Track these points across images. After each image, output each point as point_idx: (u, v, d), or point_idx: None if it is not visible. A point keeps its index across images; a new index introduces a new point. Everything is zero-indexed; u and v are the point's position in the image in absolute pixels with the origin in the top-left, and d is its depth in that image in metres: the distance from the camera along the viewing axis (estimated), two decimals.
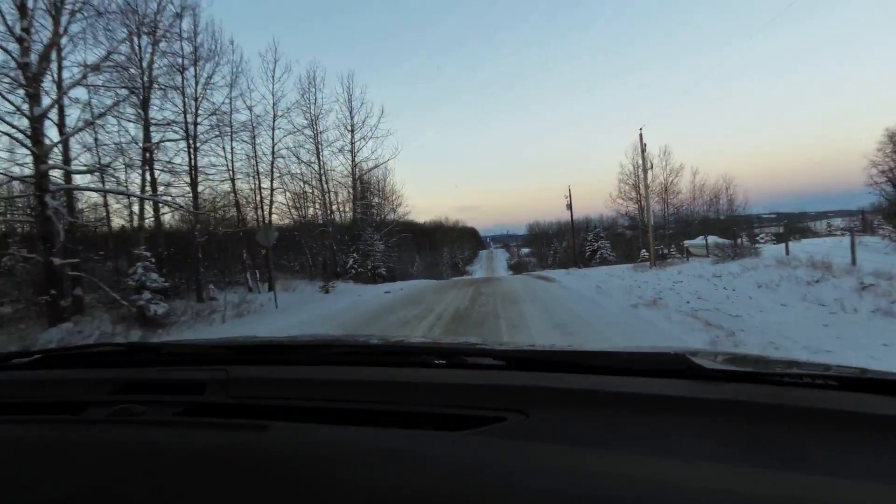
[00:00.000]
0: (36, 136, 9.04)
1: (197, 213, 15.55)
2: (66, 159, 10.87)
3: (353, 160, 30.34)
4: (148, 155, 13.94)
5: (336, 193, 30.05)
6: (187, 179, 15.72)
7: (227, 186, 19.42)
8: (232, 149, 19.83)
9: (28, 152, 9.53)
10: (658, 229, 38.69)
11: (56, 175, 10.23)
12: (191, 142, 15.85)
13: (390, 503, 0.54)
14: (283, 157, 30.08)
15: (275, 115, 22.21)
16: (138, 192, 13.89)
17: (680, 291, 10.06)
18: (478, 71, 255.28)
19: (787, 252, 14.35)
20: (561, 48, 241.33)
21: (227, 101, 18.06)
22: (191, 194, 15.95)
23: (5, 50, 8.84)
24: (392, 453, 0.63)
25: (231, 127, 18.94)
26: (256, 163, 21.90)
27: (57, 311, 8.96)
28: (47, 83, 9.94)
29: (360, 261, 26.26)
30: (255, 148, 21.70)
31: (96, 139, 13.11)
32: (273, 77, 22.23)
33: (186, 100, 15.87)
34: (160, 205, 14.67)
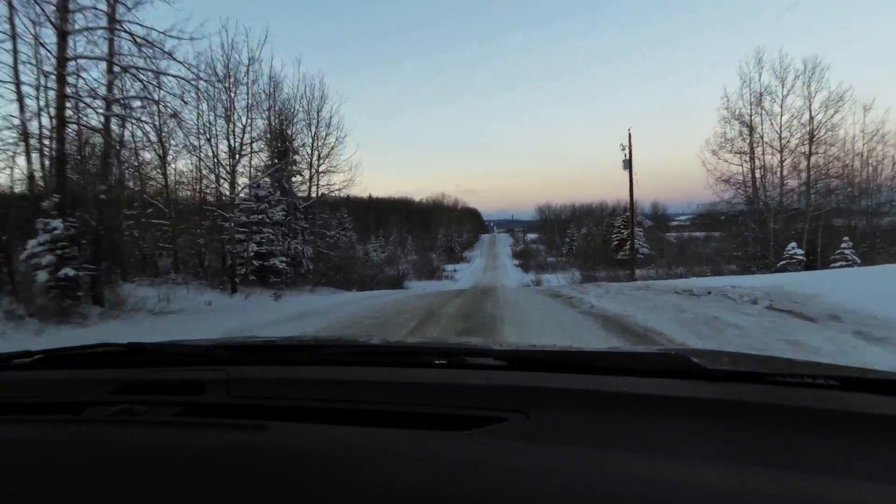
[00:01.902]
0: None
1: None
2: None
3: None
4: None
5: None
6: None
7: None
8: None
9: None
10: (781, 211, 21.05)
11: None
12: None
13: (390, 503, 0.54)
14: None
15: None
16: None
17: None
18: (483, 55, 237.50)
19: None
20: (579, 26, 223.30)
21: None
22: None
23: None
24: (392, 453, 0.63)
25: None
26: None
27: None
28: None
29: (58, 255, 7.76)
30: None
31: None
32: None
33: None
34: None
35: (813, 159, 20.66)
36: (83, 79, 9.34)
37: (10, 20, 8.96)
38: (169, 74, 10.00)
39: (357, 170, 26.58)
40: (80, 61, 9.23)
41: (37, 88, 9.24)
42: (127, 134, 13.06)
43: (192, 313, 10.45)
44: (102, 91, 9.59)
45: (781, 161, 20.91)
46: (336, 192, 22.96)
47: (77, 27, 9.03)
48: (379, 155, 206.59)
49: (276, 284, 16.95)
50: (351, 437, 0.67)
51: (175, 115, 11.35)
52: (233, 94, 16.68)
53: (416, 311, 10.53)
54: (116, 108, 10.21)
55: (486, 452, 0.62)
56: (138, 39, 9.32)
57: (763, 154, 21.61)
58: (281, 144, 21.35)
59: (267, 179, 18.32)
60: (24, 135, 9.18)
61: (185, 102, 11.42)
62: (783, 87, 20.87)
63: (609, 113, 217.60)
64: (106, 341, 1.11)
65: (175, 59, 9.75)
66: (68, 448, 0.68)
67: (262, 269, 16.71)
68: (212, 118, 16.62)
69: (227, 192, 16.62)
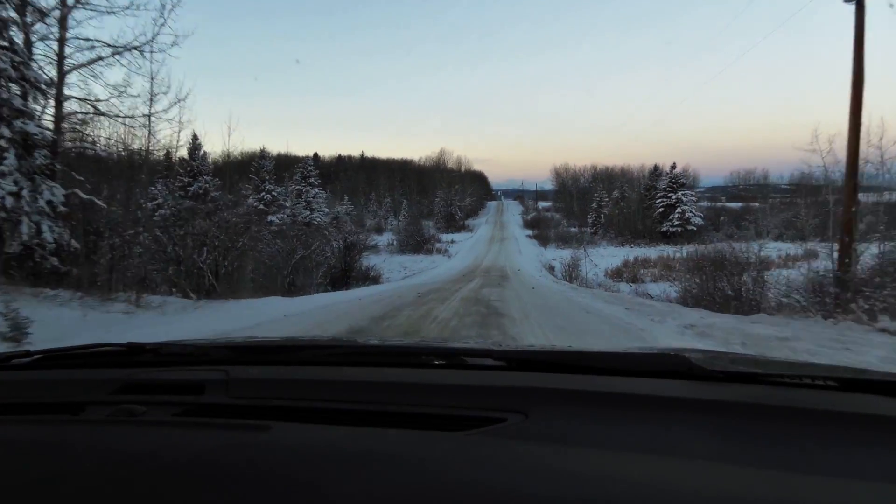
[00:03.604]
0: None
1: None
2: None
3: None
4: None
5: None
6: None
7: None
8: None
9: None
10: None
11: None
12: None
13: (391, 503, 0.54)
14: None
15: None
16: None
17: None
18: (494, 27, 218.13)
19: None
20: None
21: None
22: None
23: None
24: (392, 454, 0.63)
25: None
26: None
27: None
28: None
29: None
30: None
31: None
32: None
33: None
34: None
35: None
36: None
37: None
38: None
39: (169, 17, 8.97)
40: None
41: None
42: None
43: None
44: None
45: None
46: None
47: None
48: (377, 117, 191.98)
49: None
50: (351, 438, 0.68)
51: None
52: None
53: None
54: None
55: (485, 453, 0.62)
56: None
57: None
58: None
59: None
60: None
61: None
62: None
63: (625, 79, 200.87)
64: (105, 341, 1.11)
65: None
66: (68, 448, 0.68)
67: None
68: None
69: None
